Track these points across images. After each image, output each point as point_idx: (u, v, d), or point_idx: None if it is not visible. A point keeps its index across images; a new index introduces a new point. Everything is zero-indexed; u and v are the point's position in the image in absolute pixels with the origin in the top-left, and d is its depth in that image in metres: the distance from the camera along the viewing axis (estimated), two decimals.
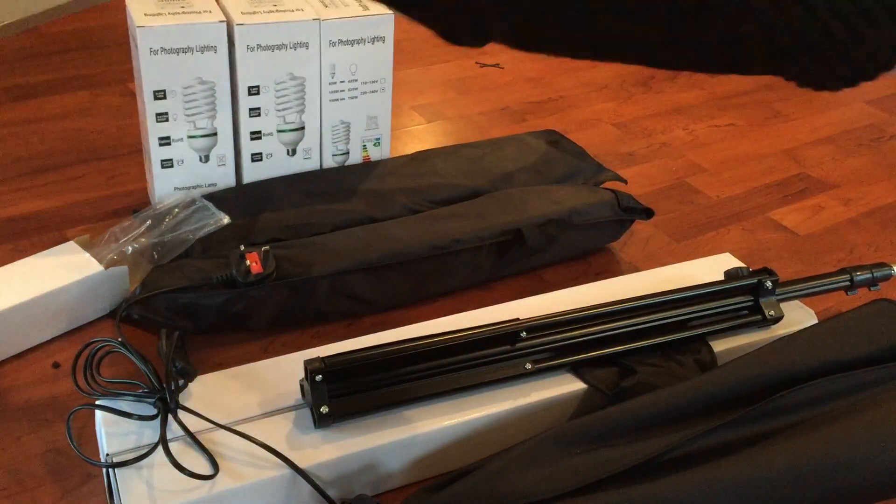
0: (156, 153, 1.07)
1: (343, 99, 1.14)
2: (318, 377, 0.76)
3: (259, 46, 1.05)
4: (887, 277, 0.98)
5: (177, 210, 1.05)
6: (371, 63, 1.13)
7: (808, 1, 0.42)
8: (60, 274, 0.92)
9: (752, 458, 0.70)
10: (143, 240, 1.00)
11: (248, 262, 0.92)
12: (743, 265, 0.96)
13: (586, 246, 1.11)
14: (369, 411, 0.79)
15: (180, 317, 0.93)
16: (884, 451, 0.72)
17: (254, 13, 1.05)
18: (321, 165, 1.18)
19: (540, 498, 0.69)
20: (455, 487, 0.70)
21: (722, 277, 0.95)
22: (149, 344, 0.92)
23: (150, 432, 0.74)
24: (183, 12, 1.03)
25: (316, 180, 1.14)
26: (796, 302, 0.96)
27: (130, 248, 0.99)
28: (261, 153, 1.12)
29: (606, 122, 1.45)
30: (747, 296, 0.92)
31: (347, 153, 1.19)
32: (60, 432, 0.82)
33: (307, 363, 0.76)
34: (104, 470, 0.74)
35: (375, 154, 1.21)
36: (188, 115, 1.06)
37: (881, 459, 0.71)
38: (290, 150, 1.14)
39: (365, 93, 1.15)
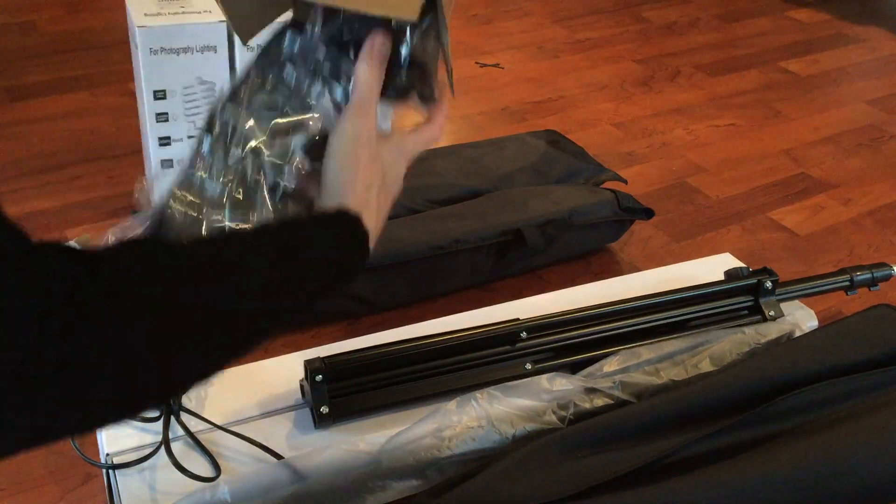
0: (156, 153, 1.07)
1: None
2: (318, 377, 0.76)
3: (259, 46, 1.05)
4: (887, 277, 0.98)
5: None
6: None
7: None
8: None
9: (754, 461, 0.70)
10: None
11: None
12: (743, 265, 0.96)
13: (586, 246, 1.11)
14: (369, 411, 0.79)
15: None
16: (885, 455, 0.72)
17: None
18: None
19: (543, 501, 0.69)
20: (457, 491, 0.70)
21: (722, 277, 0.95)
22: None
23: (149, 432, 0.74)
24: (183, 12, 1.03)
25: None
26: (796, 302, 0.96)
27: None
28: None
29: (606, 122, 1.45)
30: (747, 296, 0.92)
31: None
32: None
33: (307, 363, 0.76)
34: (104, 471, 0.74)
35: None
36: (188, 115, 1.06)
37: (882, 462, 0.71)
38: None
39: None
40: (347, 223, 0.58)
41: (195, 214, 0.59)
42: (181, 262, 0.48)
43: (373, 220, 0.60)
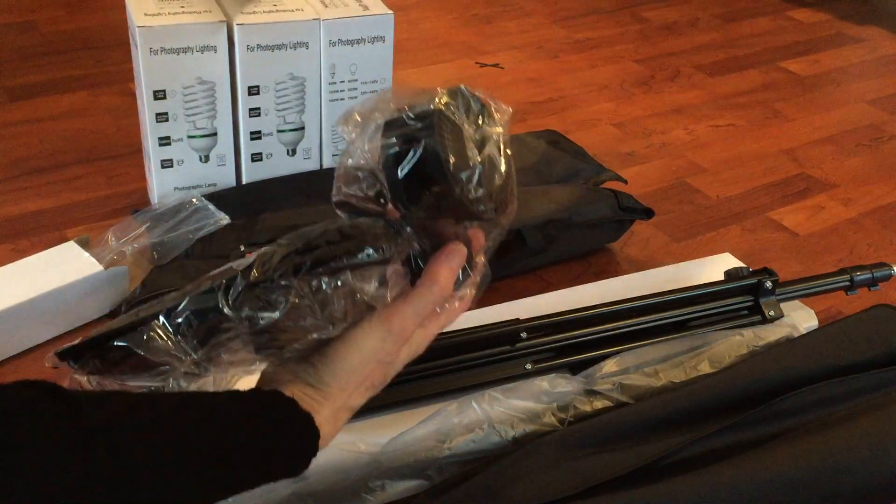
0: (156, 153, 1.07)
1: (343, 99, 1.14)
2: None
3: (259, 46, 1.05)
4: (887, 277, 0.98)
5: (176, 210, 1.05)
6: (371, 63, 1.13)
7: None
8: (60, 274, 0.92)
9: (754, 461, 0.70)
10: (143, 240, 1.00)
11: None
12: (743, 265, 0.96)
13: (586, 246, 1.11)
14: (369, 411, 0.78)
15: None
16: (885, 455, 0.72)
17: (254, 13, 1.05)
18: (321, 165, 1.18)
19: (543, 501, 0.69)
20: (458, 491, 0.70)
21: (722, 277, 0.95)
22: None
23: None
24: (183, 12, 1.03)
25: (316, 180, 1.14)
26: (796, 302, 0.96)
27: (130, 248, 0.99)
28: (261, 153, 1.12)
29: (606, 122, 1.45)
30: (747, 296, 0.92)
31: None
32: None
33: None
34: None
35: None
36: (188, 115, 1.06)
37: (882, 462, 0.71)
38: (290, 150, 1.14)
39: (365, 93, 1.15)
40: (300, 426, 0.51)
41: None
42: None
43: (335, 428, 0.54)
